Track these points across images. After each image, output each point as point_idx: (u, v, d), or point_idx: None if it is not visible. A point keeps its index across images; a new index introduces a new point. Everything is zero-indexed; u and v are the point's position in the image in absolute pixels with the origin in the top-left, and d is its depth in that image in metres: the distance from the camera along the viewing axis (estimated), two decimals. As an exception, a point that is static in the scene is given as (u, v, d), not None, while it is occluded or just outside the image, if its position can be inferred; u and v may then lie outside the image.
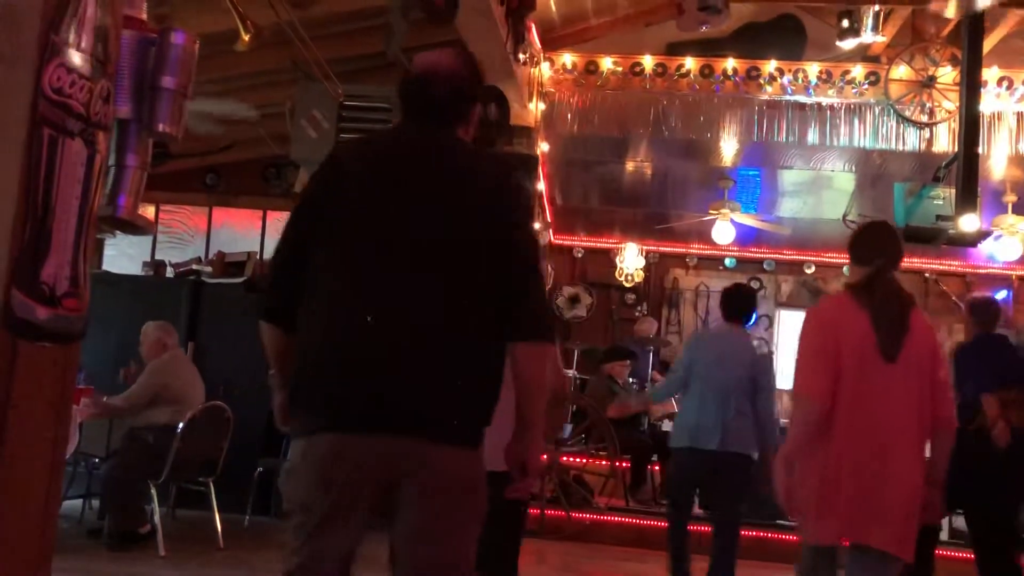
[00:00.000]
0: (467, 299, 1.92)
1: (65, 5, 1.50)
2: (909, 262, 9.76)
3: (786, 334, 10.33)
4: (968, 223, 6.01)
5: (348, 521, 1.90)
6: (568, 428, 7.47)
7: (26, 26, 1.47)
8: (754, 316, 4.92)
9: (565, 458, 7.05)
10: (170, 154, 6.84)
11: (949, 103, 7.01)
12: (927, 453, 2.92)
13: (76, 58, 1.50)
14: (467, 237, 1.95)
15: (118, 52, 1.64)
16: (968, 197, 6.03)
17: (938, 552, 5.07)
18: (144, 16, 1.74)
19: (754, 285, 10.24)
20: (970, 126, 6.15)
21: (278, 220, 8.12)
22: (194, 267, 7.61)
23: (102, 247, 7.93)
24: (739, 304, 4.77)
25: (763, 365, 4.73)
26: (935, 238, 6.54)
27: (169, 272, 7.61)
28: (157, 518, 5.16)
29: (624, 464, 7.13)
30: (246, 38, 4.23)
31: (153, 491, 5.16)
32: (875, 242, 3.06)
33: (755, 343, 4.98)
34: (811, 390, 2.85)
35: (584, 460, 7.22)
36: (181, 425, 5.12)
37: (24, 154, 1.44)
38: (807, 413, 2.86)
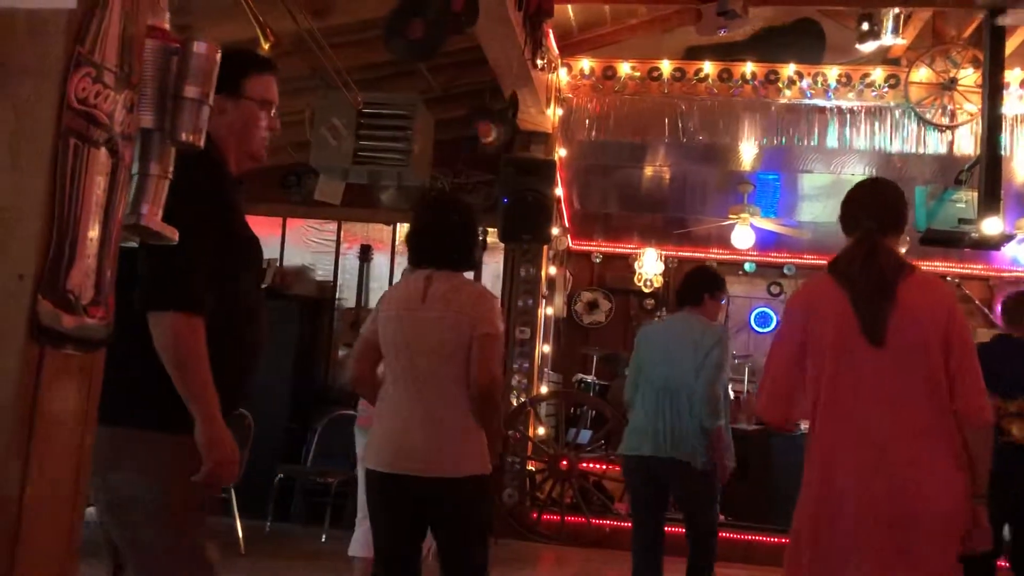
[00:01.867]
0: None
1: (90, 17, 1.51)
2: (931, 266, 9.68)
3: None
4: (991, 226, 5.95)
5: None
6: (588, 434, 7.46)
7: (51, 38, 1.49)
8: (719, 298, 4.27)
9: (585, 464, 7.03)
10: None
11: (971, 105, 6.95)
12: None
13: (101, 68, 1.52)
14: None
15: (141, 62, 1.65)
16: (991, 200, 5.97)
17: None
18: (167, 26, 1.75)
19: (774, 290, 10.20)
20: (993, 128, 6.09)
21: (298, 227, 8.16)
22: (215, 274, 7.64)
23: (124, 255, 7.99)
24: (688, 286, 4.22)
25: (712, 341, 4.01)
26: (957, 241, 6.48)
27: (190, 279, 7.65)
28: (179, 524, 5.18)
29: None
30: (266, 47, 4.25)
31: (175, 497, 5.18)
32: (862, 203, 2.50)
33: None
34: (760, 406, 2.43)
35: (604, 466, 7.20)
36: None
37: (50, 164, 1.45)
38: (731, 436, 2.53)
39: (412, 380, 2.72)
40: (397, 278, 7.75)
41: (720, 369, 3.96)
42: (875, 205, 2.48)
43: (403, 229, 8.09)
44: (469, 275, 2.98)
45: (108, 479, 1.89)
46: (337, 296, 8.07)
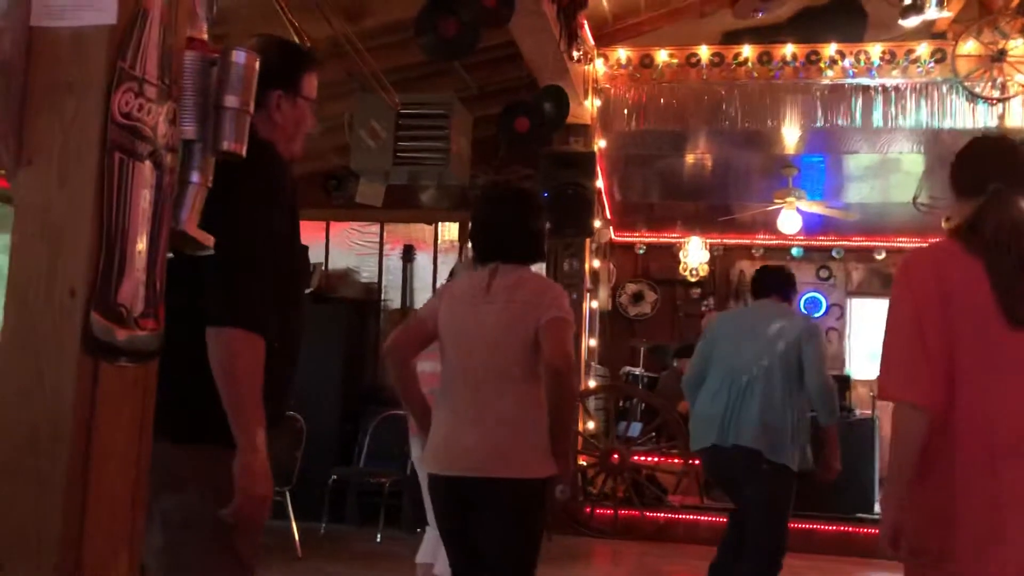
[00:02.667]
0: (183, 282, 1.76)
1: (131, 31, 1.52)
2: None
3: (858, 324, 10.10)
4: (1048, 200, 5.78)
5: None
6: (639, 427, 7.41)
7: (94, 55, 1.50)
8: (795, 295, 4.16)
9: (637, 457, 6.99)
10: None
11: (1022, 76, 6.76)
12: None
13: (143, 82, 1.53)
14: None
15: (182, 73, 1.66)
16: (1047, 173, 5.80)
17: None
18: (205, 36, 1.76)
19: (823, 274, 10.04)
20: (1046, 99, 5.92)
21: (342, 231, 8.22)
22: (262, 281, 7.74)
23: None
24: (769, 281, 4.05)
25: (798, 331, 3.81)
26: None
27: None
28: (237, 528, 5.25)
29: (697, 461, 7.03)
30: (303, 53, 4.28)
31: (232, 502, 5.25)
32: (987, 161, 2.14)
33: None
34: (911, 392, 1.94)
35: (656, 459, 7.14)
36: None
37: (97, 180, 1.47)
38: (909, 426, 1.94)
39: (469, 375, 2.61)
40: (441, 277, 7.78)
41: (825, 360, 3.75)
42: (1003, 163, 2.11)
43: (444, 228, 8.11)
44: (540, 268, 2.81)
45: (168, 498, 1.80)
46: (383, 297, 8.12)
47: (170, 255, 1.65)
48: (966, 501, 1.90)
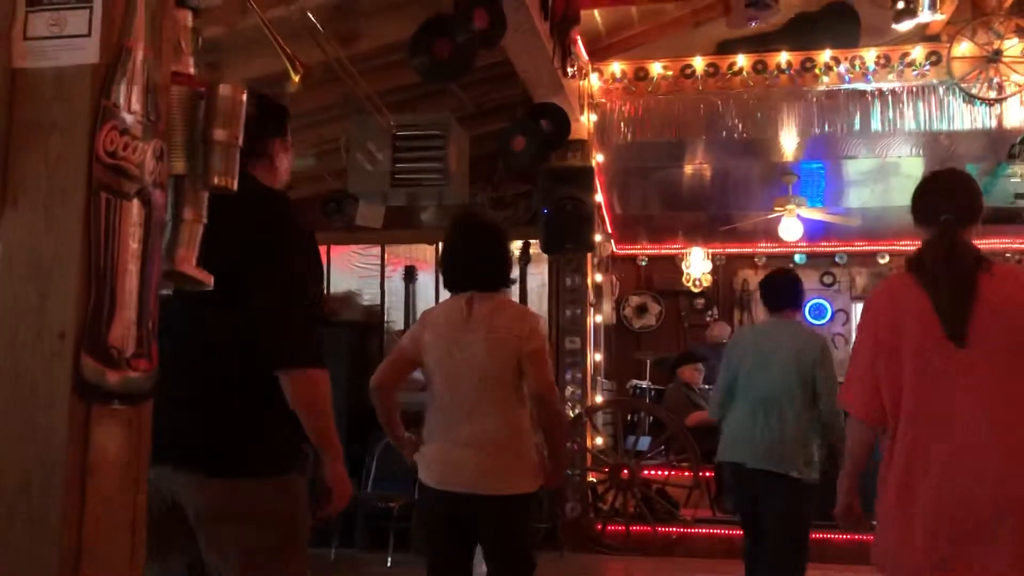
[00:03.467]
0: (216, 320, 1.98)
1: (114, 68, 1.51)
2: (988, 244, 9.40)
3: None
4: (1050, 199, 5.75)
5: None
6: (647, 440, 7.36)
7: (77, 93, 1.49)
8: (803, 301, 4.25)
9: (647, 471, 6.93)
10: (233, 198, 6.98)
11: (1018, 76, 6.75)
12: None
13: (128, 119, 1.51)
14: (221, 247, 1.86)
15: (168, 109, 1.65)
16: (1048, 172, 5.78)
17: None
18: (192, 70, 1.74)
19: (827, 280, 10.00)
20: (1043, 98, 5.90)
21: (342, 254, 8.21)
22: (264, 307, 7.73)
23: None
24: (781, 295, 4.12)
25: (817, 350, 3.90)
26: (1015, 217, 6.29)
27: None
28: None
29: (709, 473, 6.97)
30: (296, 79, 4.27)
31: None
32: (939, 193, 2.41)
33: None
34: (853, 405, 2.33)
35: (666, 472, 7.09)
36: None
37: (84, 220, 1.44)
38: (854, 433, 2.37)
39: (461, 401, 2.79)
40: (444, 296, 7.75)
41: (836, 383, 3.81)
42: (952, 196, 2.41)
43: (446, 247, 8.10)
44: (512, 293, 3.06)
45: (235, 529, 1.94)
46: (386, 319, 8.09)
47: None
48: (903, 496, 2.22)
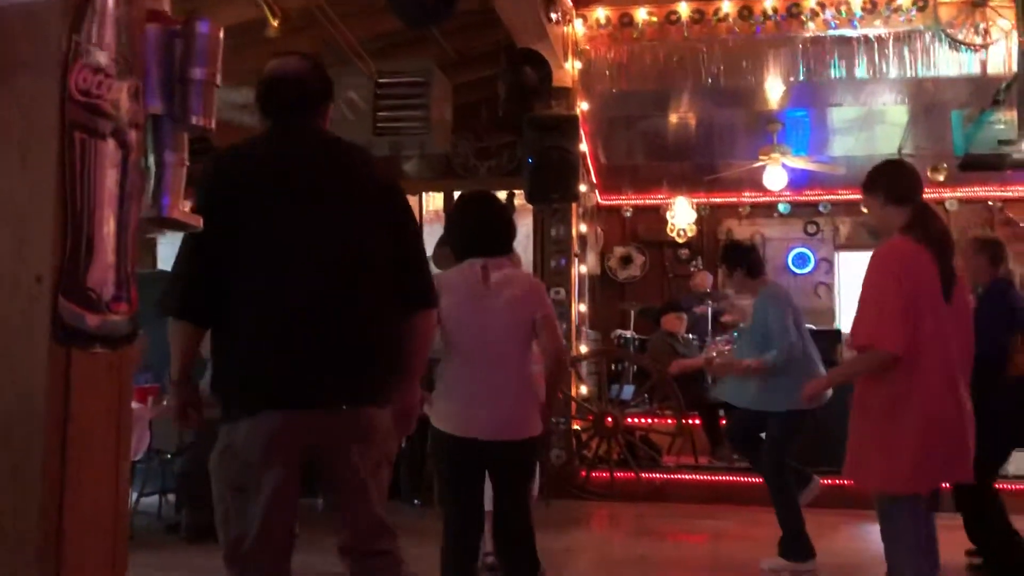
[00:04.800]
0: (377, 283, 2.24)
1: (85, 4, 1.46)
2: (972, 191, 9.44)
3: (847, 277, 10.11)
4: (1034, 145, 5.76)
5: (291, 493, 2.19)
6: (631, 389, 7.41)
7: (47, 30, 1.44)
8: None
9: (630, 419, 6.99)
10: (215, 149, 6.88)
11: (1004, 21, 6.70)
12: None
13: (101, 57, 1.46)
14: (370, 225, 2.26)
15: (143, 47, 1.60)
16: (1032, 118, 5.76)
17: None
18: (167, 8, 1.69)
19: (810, 230, 10.03)
20: (1029, 43, 5.87)
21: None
22: (247, 258, 7.67)
23: (154, 246, 8.04)
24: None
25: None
26: (998, 164, 6.29)
27: (223, 265, 7.68)
28: (233, 508, 5.24)
29: (693, 420, 7.04)
30: (275, 24, 4.19)
31: (227, 482, 5.24)
32: (912, 179, 2.98)
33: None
34: (896, 341, 2.73)
35: (650, 420, 7.15)
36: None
37: (58, 161, 1.41)
38: (873, 361, 2.80)
39: (483, 358, 3.10)
40: (428, 249, 7.70)
41: None
42: (920, 183, 2.99)
43: (429, 198, 8.03)
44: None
45: (373, 450, 2.25)
46: (369, 271, 8.06)
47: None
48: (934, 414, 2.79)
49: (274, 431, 2.13)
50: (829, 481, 6.15)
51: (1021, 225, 9.51)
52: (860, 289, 2.88)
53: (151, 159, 1.66)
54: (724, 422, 7.29)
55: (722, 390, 5.05)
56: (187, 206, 1.85)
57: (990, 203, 9.55)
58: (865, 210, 3.17)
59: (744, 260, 4.65)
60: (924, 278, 2.80)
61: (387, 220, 2.30)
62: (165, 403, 2.25)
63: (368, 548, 2.28)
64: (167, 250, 8.16)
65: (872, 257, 2.90)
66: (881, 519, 2.85)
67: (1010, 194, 9.50)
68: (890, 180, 2.98)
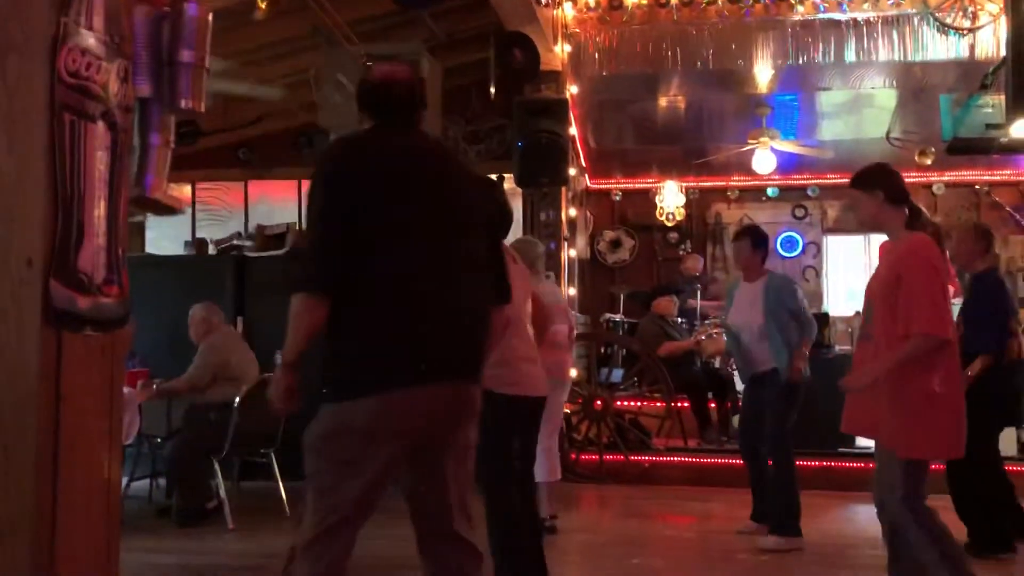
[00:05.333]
0: (483, 275, 2.40)
1: (73, -15, 1.45)
2: (959, 175, 9.48)
3: (834, 261, 10.14)
4: (1021, 129, 5.76)
5: (395, 470, 2.25)
6: (620, 372, 7.43)
7: (35, 11, 1.44)
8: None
9: (620, 402, 7.02)
10: (202, 132, 6.84)
11: (992, 5, 6.71)
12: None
13: (89, 39, 1.46)
14: (477, 222, 2.41)
15: (132, 29, 1.60)
16: (1020, 102, 5.73)
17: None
18: (155, -10, 1.68)
19: (799, 213, 10.06)
20: (1018, 27, 5.87)
21: (313, 189, 8.11)
22: (235, 242, 7.65)
23: (143, 230, 8.01)
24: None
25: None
26: (986, 148, 6.30)
27: (211, 249, 7.66)
28: (223, 492, 5.25)
29: (683, 404, 7.08)
30: (263, 6, 4.17)
31: (217, 466, 5.24)
32: (903, 183, 3.23)
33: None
34: (942, 327, 2.99)
35: (639, 403, 7.18)
36: (237, 400, 5.17)
37: (47, 143, 1.41)
38: (929, 344, 2.98)
39: (523, 328, 3.57)
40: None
41: None
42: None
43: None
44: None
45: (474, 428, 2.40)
46: (358, 254, 8.05)
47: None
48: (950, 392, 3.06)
49: (411, 405, 2.19)
50: (816, 463, 6.24)
51: (1007, 209, 9.56)
52: (906, 281, 3.02)
53: (136, 140, 1.66)
54: (713, 405, 7.36)
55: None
56: (171, 188, 1.85)
57: (977, 187, 9.60)
58: (853, 205, 3.32)
59: (765, 244, 5.08)
60: (944, 269, 3.14)
61: (487, 218, 2.49)
62: (274, 382, 2.21)
63: (458, 531, 2.33)
64: (153, 234, 8.15)
65: (908, 253, 3.08)
66: (904, 483, 3.00)
67: (997, 178, 9.54)
68: (890, 181, 3.21)
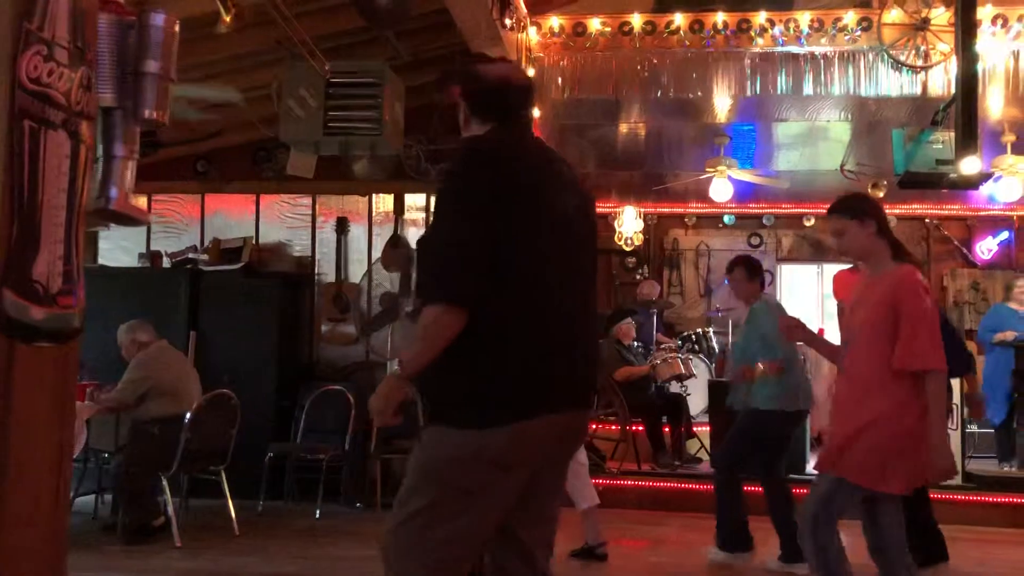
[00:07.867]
0: (594, 292, 2.37)
1: (37, -9, 1.43)
2: (910, 208, 9.71)
3: (788, 289, 10.31)
4: (969, 165, 5.93)
5: (513, 498, 2.13)
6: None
7: (-2, 15, 1.41)
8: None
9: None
10: (160, 143, 6.75)
11: (944, 45, 6.90)
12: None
13: (52, 46, 1.44)
14: (589, 234, 2.34)
15: (96, 37, 1.57)
16: (968, 139, 5.94)
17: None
18: (121, -1, 1.66)
19: (754, 241, 10.21)
20: (967, 67, 6.05)
21: (272, 203, 8.03)
22: (190, 256, 7.55)
23: (96, 241, 7.85)
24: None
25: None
26: (936, 183, 6.47)
27: (166, 262, 7.55)
28: (171, 509, 5.15)
29: (637, 427, 7.11)
30: (228, 19, 4.14)
31: (164, 483, 5.14)
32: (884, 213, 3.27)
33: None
34: (942, 361, 3.00)
35: (594, 426, 7.20)
36: (188, 416, 5.09)
37: (5, 149, 1.38)
38: (941, 384, 3.01)
39: None
40: (377, 250, 7.66)
41: None
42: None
43: (379, 199, 7.99)
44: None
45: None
46: (316, 271, 7.97)
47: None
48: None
49: (543, 434, 2.11)
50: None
51: (955, 243, 9.81)
52: (907, 315, 3.01)
53: (99, 151, 1.64)
54: (667, 429, 7.39)
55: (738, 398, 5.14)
56: (135, 199, 1.82)
57: (927, 220, 9.83)
58: (838, 234, 3.26)
59: (759, 272, 5.17)
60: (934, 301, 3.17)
61: (593, 228, 2.39)
62: (383, 392, 2.08)
63: (546, 555, 2.28)
64: (107, 244, 8.00)
65: (902, 285, 3.07)
66: (881, 516, 3.06)
67: (946, 212, 9.79)
68: (880, 213, 3.24)
